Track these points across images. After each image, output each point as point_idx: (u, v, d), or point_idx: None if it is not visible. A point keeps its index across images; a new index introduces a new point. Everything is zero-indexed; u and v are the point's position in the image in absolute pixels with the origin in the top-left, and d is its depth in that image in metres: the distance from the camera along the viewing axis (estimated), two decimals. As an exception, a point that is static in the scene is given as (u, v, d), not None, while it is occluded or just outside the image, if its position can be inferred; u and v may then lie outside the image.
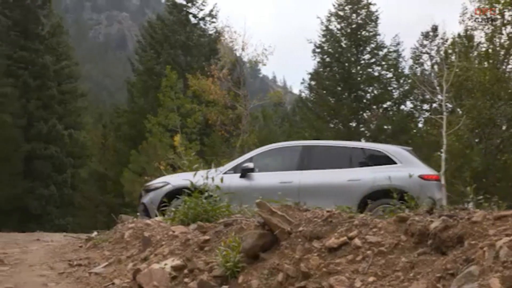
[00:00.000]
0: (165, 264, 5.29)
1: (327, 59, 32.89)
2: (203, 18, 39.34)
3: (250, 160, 11.11)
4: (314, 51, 33.15)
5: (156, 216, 9.78)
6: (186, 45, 37.69)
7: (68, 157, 36.56)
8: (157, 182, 11.15)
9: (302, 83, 48.69)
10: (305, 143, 12.17)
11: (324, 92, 32.73)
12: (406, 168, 11.78)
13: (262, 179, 10.87)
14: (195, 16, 39.27)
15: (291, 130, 36.02)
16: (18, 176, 33.47)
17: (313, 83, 33.85)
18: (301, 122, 34.61)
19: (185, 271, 5.04)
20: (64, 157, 36.03)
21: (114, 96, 73.44)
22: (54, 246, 8.05)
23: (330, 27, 32.90)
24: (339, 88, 32.35)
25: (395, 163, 11.77)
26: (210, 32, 39.36)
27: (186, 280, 4.87)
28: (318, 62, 33.24)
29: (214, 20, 39.34)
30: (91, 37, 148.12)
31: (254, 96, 30.98)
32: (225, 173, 10.66)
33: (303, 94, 36.68)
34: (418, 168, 12.07)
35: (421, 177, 11.82)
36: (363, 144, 12.94)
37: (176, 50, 37.66)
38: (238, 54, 29.81)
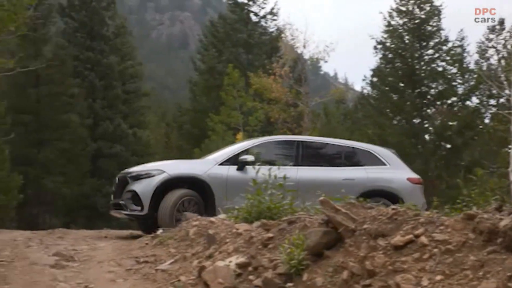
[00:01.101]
0: (230, 262, 5.33)
1: (390, 55, 32.45)
2: (264, 16, 39.42)
3: (246, 152, 10.57)
4: (376, 47, 32.79)
5: (144, 208, 9.52)
6: (247, 43, 37.84)
7: (132, 156, 37.23)
8: (147, 169, 10.22)
9: (364, 79, 48.18)
10: (299, 138, 11.86)
11: (387, 88, 32.31)
12: (394, 170, 11.73)
13: (255, 173, 10.64)
14: (256, 14, 39.39)
15: (353, 127, 35.69)
16: (86, 175, 34.27)
17: (375, 79, 33.46)
18: (363, 119, 34.28)
19: (250, 268, 5.07)
20: (129, 156, 36.70)
21: (176, 95, 74.34)
22: (121, 243, 8.22)
23: (393, 22, 32.46)
24: (402, 84, 31.88)
25: (384, 164, 11.71)
26: (271, 30, 39.43)
27: (250, 277, 4.90)
28: (380, 58, 32.84)
29: (275, 18, 39.40)
30: (154, 37, 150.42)
31: (316, 94, 30.89)
32: (220, 164, 10.31)
33: (365, 91, 36.33)
34: (404, 171, 11.96)
35: (409, 180, 11.64)
36: (352, 143, 12.57)
37: (238, 49, 37.85)
38: (299, 52, 29.78)
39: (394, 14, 32.49)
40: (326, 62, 28.65)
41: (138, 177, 9.88)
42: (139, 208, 9.67)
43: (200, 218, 8.24)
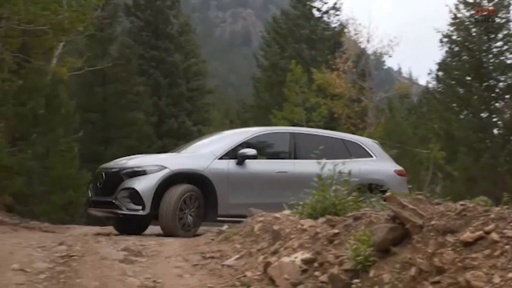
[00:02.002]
0: (295, 257, 5.34)
1: (456, 49, 31.73)
2: (327, 12, 39.15)
3: (245, 144, 10.05)
4: (441, 41, 32.12)
5: (146, 207, 9.00)
6: (310, 39, 37.68)
7: (197, 152, 37.57)
8: (146, 164, 9.48)
9: (429, 73, 47.40)
10: (293, 130, 11.36)
11: (453, 82, 31.61)
12: (381, 162, 11.47)
13: (259, 167, 10.08)
14: (319, 9, 39.14)
15: (418, 122, 35.10)
16: (152, 172, 34.79)
17: (441, 73, 32.79)
18: (428, 113, 33.65)
19: (315, 264, 5.06)
20: (194, 152, 37.05)
21: (240, 92, 74.73)
22: (188, 239, 8.32)
23: (459, 15, 31.73)
24: (469, 78, 31.12)
25: (371, 156, 11.42)
26: (334, 25, 39.15)
27: (316, 273, 4.89)
28: (446, 51, 32.15)
29: (338, 13, 39.07)
30: (217, 34, 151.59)
31: (380, 89, 30.53)
32: (220, 158, 9.79)
33: (430, 85, 35.70)
34: (390, 163, 11.75)
35: (396, 172, 11.42)
36: (340, 134, 12.15)
37: (301, 44, 37.74)
38: (363, 46, 29.49)
39: (461, 6, 31.75)
40: (390, 56, 28.32)
41: (135, 174, 9.20)
42: (139, 207, 9.07)
43: (265, 214, 8.26)
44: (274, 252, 5.93)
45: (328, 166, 10.47)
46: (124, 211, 9.10)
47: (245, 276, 5.72)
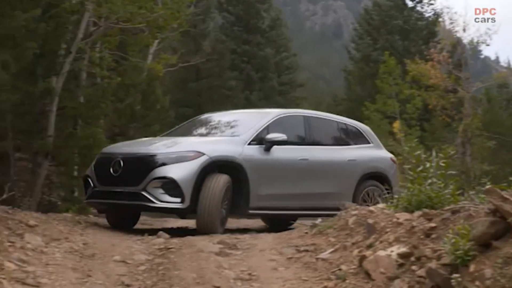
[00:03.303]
0: (391, 251, 5.26)
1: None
2: (420, 1, 38.33)
3: (267, 128, 9.13)
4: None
5: (186, 199, 7.94)
6: (403, 30, 37.00)
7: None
8: (179, 149, 8.30)
9: (529, 62, 45.36)
10: (303, 112, 10.56)
11: (556, 70, 30.26)
12: (377, 149, 10.90)
13: (283, 154, 9.18)
14: (412, -1, 38.42)
15: (518, 113, 33.83)
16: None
17: (542, 61, 31.43)
18: (529, 104, 32.35)
19: (412, 258, 4.97)
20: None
21: (331, 85, 74.30)
22: (281, 232, 8.36)
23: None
24: None
25: (368, 142, 10.81)
26: (428, 15, 38.25)
27: (413, 267, 4.81)
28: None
29: (432, 2, 38.19)
30: (307, 27, 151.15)
31: (476, 79, 29.58)
32: (249, 143, 8.84)
33: (531, 74, 34.23)
34: (383, 150, 11.16)
35: (391, 160, 10.92)
36: (341, 118, 11.24)
37: (394, 36, 37.11)
38: (458, 36, 28.65)
39: None
40: (488, 45, 27.32)
41: (169, 160, 8.01)
42: (177, 199, 7.93)
43: (359, 207, 8.19)
44: (369, 246, 5.87)
45: (338, 153, 10.13)
46: (157, 204, 7.90)
47: (340, 269, 5.70)
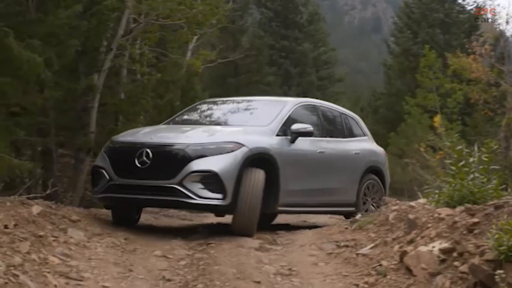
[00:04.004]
0: (433, 247, 5.21)
1: None
2: (461, -6, 37.81)
3: (290, 118, 8.44)
4: None
5: (227, 195, 7.13)
6: (444, 23, 36.51)
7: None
8: (217, 140, 7.45)
9: None
10: (314, 102, 9.88)
11: None
12: (371, 142, 10.48)
13: (305, 146, 8.53)
14: (453, -8, 37.88)
15: None
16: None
17: None
18: None
19: (454, 254, 4.91)
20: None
21: (370, 79, 73.71)
22: (321, 228, 8.34)
23: None
24: None
25: (365, 135, 10.38)
26: (470, 8, 37.67)
27: (455, 263, 4.75)
28: None
29: (473, -6, 37.60)
30: (346, 22, 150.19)
31: (520, 72, 28.97)
32: (277, 135, 8.13)
33: None
34: (375, 143, 10.71)
35: (384, 153, 10.64)
36: (342, 108, 10.64)
37: (434, 29, 36.64)
38: (501, 28, 28.17)
39: None
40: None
41: (208, 152, 7.20)
42: (219, 195, 7.11)
43: (399, 202, 8.13)
44: (410, 241, 5.82)
45: (345, 145, 9.62)
46: (196, 200, 7.06)
47: (380, 265, 5.67)
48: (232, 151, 7.23)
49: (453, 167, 7.29)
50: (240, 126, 8.30)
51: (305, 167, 8.52)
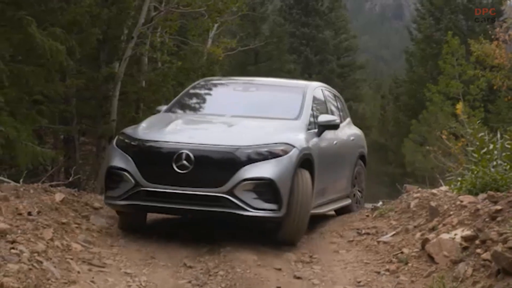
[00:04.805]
0: (455, 234, 5.18)
1: None
2: (484, -21, 37.32)
3: (311, 108, 7.43)
4: None
5: (283, 206, 6.05)
6: (467, 9, 36.10)
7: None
8: (266, 141, 6.29)
9: None
10: (321, 85, 8.60)
11: None
12: (351, 124, 9.43)
13: (327, 139, 7.54)
14: (476, -23, 37.40)
15: None
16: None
17: None
18: None
19: (477, 241, 4.87)
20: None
21: (391, 66, 73.31)
22: (342, 215, 8.31)
23: None
24: None
25: (348, 115, 9.42)
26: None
27: (478, 251, 4.72)
28: None
29: (496, -21, 37.09)
30: (367, 9, 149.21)
31: (545, 58, 28.60)
32: (308, 129, 7.07)
33: None
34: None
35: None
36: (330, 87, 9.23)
37: (457, 15, 36.27)
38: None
39: None
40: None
41: (260, 156, 6.16)
42: (274, 206, 6.07)
43: (421, 190, 8.09)
44: (432, 229, 5.79)
45: (346, 132, 8.60)
46: (251, 212, 6.03)
47: (402, 252, 5.64)
48: (285, 154, 6.22)
49: (475, 155, 7.24)
50: (268, 118, 7.12)
51: (327, 163, 7.54)
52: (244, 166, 6.05)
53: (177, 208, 6.30)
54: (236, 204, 6.00)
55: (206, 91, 8.38)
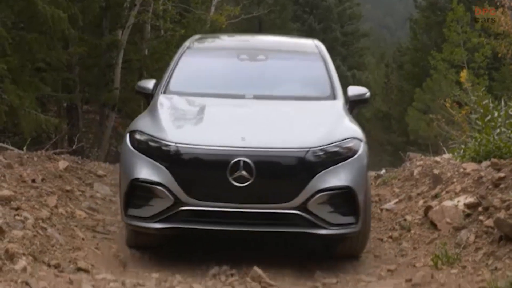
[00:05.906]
0: (458, 201, 5.20)
1: None
2: None
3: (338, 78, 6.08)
4: None
5: (359, 219, 4.74)
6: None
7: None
8: (338, 138, 4.93)
9: None
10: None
11: None
12: None
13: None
14: None
15: None
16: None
17: None
18: None
19: (479, 208, 4.89)
20: (348, 97, 36.96)
21: (395, 35, 72.86)
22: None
23: None
24: None
25: None
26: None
27: (480, 217, 4.73)
28: None
29: None
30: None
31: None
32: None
33: None
34: None
35: None
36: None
37: (461, -18, 35.92)
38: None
39: None
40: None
41: (331, 159, 4.84)
42: (351, 219, 4.84)
43: (424, 158, 8.10)
44: (435, 196, 5.81)
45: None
46: (329, 231, 4.80)
47: (405, 220, 5.67)
48: (356, 152, 4.93)
49: (479, 122, 7.24)
50: (301, 99, 5.77)
51: None
52: (318, 173, 4.79)
53: (232, 231, 4.88)
54: (311, 221, 4.78)
55: (207, 59, 6.53)
